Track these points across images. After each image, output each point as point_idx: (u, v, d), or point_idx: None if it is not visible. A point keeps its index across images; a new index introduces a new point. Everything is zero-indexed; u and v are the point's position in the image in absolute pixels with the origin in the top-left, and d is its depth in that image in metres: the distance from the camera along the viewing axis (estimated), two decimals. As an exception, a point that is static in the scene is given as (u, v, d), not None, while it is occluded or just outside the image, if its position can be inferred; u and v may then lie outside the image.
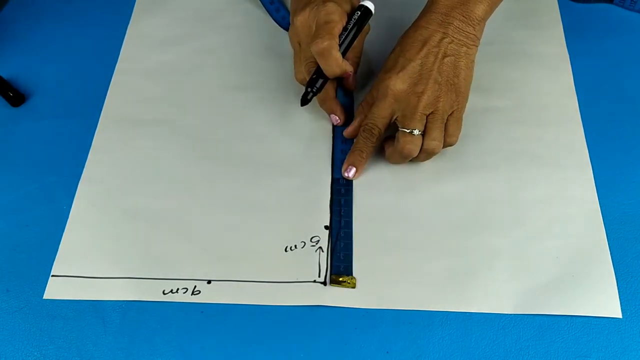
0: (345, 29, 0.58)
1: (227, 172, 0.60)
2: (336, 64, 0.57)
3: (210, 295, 0.53)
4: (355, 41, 0.59)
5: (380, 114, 0.57)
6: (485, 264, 0.54)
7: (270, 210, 0.57)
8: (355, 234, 0.56)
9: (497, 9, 0.73)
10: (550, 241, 0.55)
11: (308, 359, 0.50)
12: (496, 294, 0.52)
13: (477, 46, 0.58)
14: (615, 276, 0.53)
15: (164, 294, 0.53)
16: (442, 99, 0.55)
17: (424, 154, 0.57)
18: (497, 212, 0.57)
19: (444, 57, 0.56)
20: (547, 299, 0.52)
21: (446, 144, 0.58)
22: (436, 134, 0.56)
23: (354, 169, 0.59)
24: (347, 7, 0.60)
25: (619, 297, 0.52)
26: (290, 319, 0.52)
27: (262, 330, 0.51)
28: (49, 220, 0.57)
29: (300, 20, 0.60)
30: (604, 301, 0.52)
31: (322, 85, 0.59)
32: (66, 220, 0.57)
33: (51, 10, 0.75)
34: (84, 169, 0.60)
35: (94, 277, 0.54)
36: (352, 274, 0.54)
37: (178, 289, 0.53)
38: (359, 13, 0.59)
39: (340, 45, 0.57)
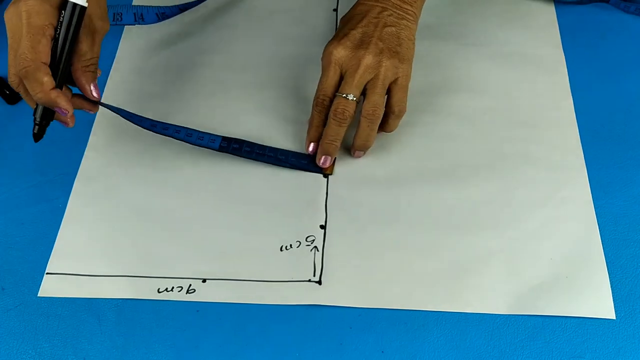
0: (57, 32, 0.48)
1: (222, 171, 0.60)
2: (40, 89, 0.48)
3: (205, 294, 0.53)
4: (83, 44, 0.50)
5: (329, 83, 0.57)
6: (479, 264, 0.54)
7: (265, 209, 0.57)
8: (351, 233, 0.56)
9: (492, 9, 0.73)
10: (544, 242, 0.55)
11: (303, 359, 0.50)
12: (491, 295, 0.52)
13: (416, 24, 0.59)
14: (609, 277, 0.53)
15: (159, 292, 0.53)
16: (384, 64, 0.55)
17: (365, 120, 0.56)
18: (492, 213, 0.57)
19: (384, 26, 0.56)
20: (541, 299, 0.52)
21: (396, 114, 0.58)
22: (375, 98, 0.56)
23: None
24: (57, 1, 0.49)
25: (613, 298, 0.52)
26: (285, 318, 0.52)
27: (257, 329, 0.51)
28: (45, 218, 0.57)
29: (8, 17, 0.49)
30: (597, 302, 0.52)
31: (47, 115, 0.51)
32: (61, 218, 0.57)
33: (47, 7, 0.75)
34: (80, 167, 0.60)
35: (89, 275, 0.54)
36: None
37: (173, 288, 0.53)
38: (64, 12, 0.48)
39: (53, 57, 0.48)
